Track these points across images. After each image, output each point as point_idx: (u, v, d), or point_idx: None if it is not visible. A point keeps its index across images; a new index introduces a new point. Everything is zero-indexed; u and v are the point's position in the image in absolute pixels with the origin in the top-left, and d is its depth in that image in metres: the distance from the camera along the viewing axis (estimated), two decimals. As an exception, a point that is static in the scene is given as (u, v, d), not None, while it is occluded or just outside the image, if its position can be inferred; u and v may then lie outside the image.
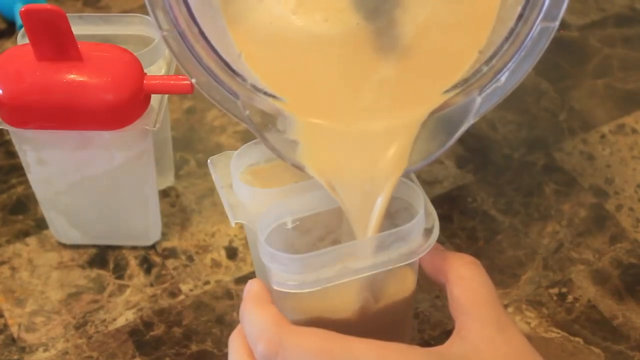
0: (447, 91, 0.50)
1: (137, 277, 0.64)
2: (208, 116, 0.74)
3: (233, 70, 0.50)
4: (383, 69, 0.52)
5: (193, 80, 0.49)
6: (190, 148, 0.71)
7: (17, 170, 0.69)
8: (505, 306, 0.62)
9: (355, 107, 0.51)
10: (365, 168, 0.50)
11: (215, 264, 0.64)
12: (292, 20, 0.53)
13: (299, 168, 0.50)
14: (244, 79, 0.50)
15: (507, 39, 0.49)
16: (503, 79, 0.49)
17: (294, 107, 0.50)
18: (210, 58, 0.50)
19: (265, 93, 0.50)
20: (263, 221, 0.50)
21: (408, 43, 0.52)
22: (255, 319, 0.47)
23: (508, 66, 0.49)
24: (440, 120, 0.50)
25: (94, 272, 0.64)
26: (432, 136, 0.50)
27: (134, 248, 0.65)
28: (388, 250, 0.49)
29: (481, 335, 0.47)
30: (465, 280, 0.49)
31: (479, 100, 0.49)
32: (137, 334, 0.61)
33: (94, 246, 0.66)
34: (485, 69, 0.49)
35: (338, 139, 0.50)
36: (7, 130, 0.58)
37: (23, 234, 0.66)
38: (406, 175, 0.50)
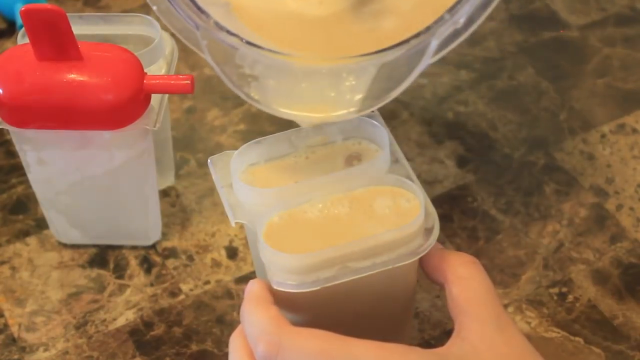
0: (406, 40, 0.51)
1: (137, 277, 0.64)
2: (208, 116, 0.74)
3: (198, 7, 0.51)
4: (356, 16, 0.54)
5: (154, 8, 0.51)
6: (191, 148, 0.71)
7: (17, 170, 0.69)
8: (506, 306, 0.62)
9: (323, 49, 0.53)
10: (322, 105, 0.52)
11: (216, 264, 0.64)
12: (287, 3, 0.54)
13: (252, 101, 0.52)
14: (207, 16, 0.51)
15: None
16: (462, 21, 0.50)
17: (266, 42, 0.52)
18: None
19: (228, 32, 0.51)
20: (262, 221, 0.50)
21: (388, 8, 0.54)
22: (255, 320, 0.47)
23: (465, 9, 0.50)
24: (397, 63, 0.51)
25: (94, 272, 0.64)
26: (389, 79, 0.51)
27: (134, 248, 0.65)
28: (388, 250, 0.49)
29: (481, 335, 0.47)
30: (464, 280, 0.49)
31: (434, 42, 0.50)
32: (137, 334, 0.61)
33: (94, 246, 0.66)
34: (447, 16, 0.50)
35: (304, 76, 0.53)
36: (7, 130, 0.58)
37: (23, 234, 0.66)
38: (365, 113, 0.52)
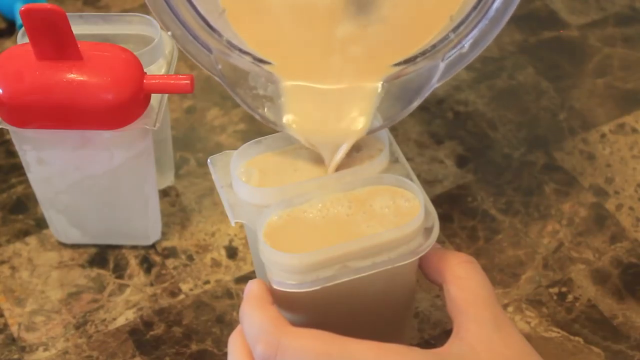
0: (413, 57, 0.51)
1: (137, 277, 0.64)
2: (208, 116, 0.74)
3: (210, 27, 0.52)
4: (359, 33, 0.54)
5: (169, 33, 0.52)
6: (190, 147, 0.71)
7: (17, 169, 0.69)
8: (506, 305, 0.62)
9: (330, 71, 0.53)
10: (332, 126, 0.53)
11: (215, 264, 0.64)
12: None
13: (267, 122, 0.52)
14: (220, 35, 0.52)
15: (475, 7, 0.50)
16: (467, 45, 0.50)
17: (275, 68, 0.53)
18: (188, 13, 0.52)
19: (241, 50, 0.51)
20: (262, 220, 0.50)
21: (385, 6, 0.54)
22: (254, 320, 0.47)
23: (472, 34, 0.50)
24: (405, 84, 0.52)
25: (94, 272, 0.64)
26: (397, 99, 0.52)
27: (134, 247, 0.65)
28: (388, 249, 0.49)
29: (478, 336, 0.47)
30: (462, 280, 0.49)
31: (442, 65, 0.50)
32: (137, 334, 0.61)
33: (94, 245, 0.66)
34: (452, 36, 0.51)
35: (311, 99, 0.53)
36: (7, 130, 0.58)
37: (23, 234, 0.66)
38: (371, 133, 0.53)
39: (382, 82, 0.52)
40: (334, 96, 0.53)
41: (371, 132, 0.52)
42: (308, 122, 0.53)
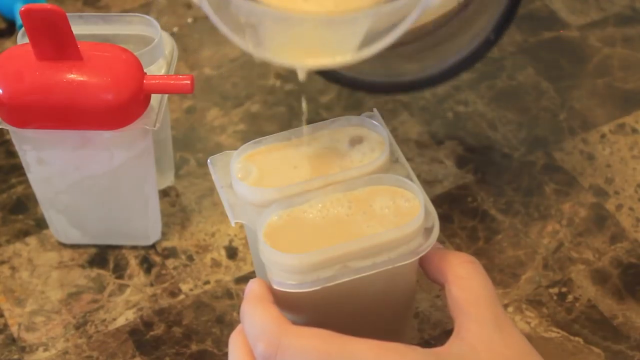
0: None
1: (137, 277, 0.64)
2: (208, 116, 0.74)
3: None
4: None
5: None
6: (190, 148, 0.71)
7: (17, 169, 0.69)
8: (506, 306, 0.62)
9: None
10: (315, 50, 0.51)
11: (215, 264, 0.64)
12: None
13: (246, 48, 0.51)
14: None
15: None
16: None
17: None
18: None
19: None
20: (262, 221, 0.50)
21: None
22: (255, 320, 0.47)
23: None
24: (392, 13, 0.50)
25: (94, 272, 0.64)
26: (383, 27, 0.50)
27: (134, 248, 0.65)
28: (388, 249, 0.49)
29: (479, 336, 0.47)
30: (463, 280, 0.49)
31: None
32: (137, 334, 0.61)
33: (94, 246, 0.66)
34: None
35: (295, 24, 0.51)
36: (7, 130, 0.58)
37: (23, 234, 0.66)
38: (356, 61, 0.51)
39: (369, 10, 0.50)
40: (318, 22, 0.51)
41: (356, 61, 0.51)
42: (290, 47, 0.51)
